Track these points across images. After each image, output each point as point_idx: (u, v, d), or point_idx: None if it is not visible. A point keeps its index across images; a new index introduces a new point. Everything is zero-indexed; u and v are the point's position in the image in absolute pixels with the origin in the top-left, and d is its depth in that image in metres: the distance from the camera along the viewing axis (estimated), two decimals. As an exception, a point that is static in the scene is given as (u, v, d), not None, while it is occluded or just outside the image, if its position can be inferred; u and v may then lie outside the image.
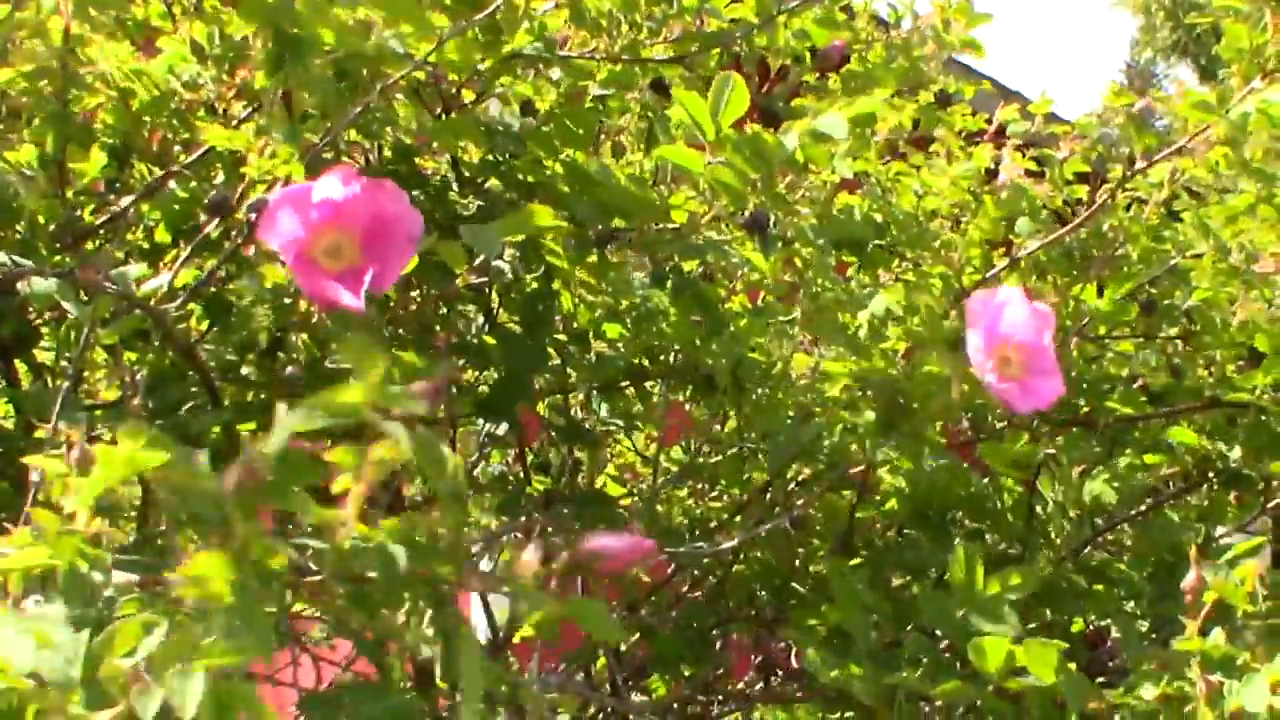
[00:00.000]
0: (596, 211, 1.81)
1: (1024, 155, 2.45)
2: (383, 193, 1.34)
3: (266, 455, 1.01)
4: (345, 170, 1.34)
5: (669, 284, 1.89)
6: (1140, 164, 2.13)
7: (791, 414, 2.09)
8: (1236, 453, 2.21)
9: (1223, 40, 2.00)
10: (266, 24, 1.51)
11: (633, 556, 1.26)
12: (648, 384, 2.29)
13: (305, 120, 1.74)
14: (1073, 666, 1.53)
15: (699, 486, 2.41)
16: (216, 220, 1.61)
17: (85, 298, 1.60)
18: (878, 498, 2.20)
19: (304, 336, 1.73)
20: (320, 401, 1.02)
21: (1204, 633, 1.50)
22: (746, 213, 1.77)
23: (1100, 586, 2.16)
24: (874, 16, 2.42)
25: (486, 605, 2.41)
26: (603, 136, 2.13)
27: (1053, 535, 2.18)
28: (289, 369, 1.68)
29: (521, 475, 2.26)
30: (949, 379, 1.67)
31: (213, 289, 1.70)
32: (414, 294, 1.92)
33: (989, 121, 2.55)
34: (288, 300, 1.64)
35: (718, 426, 2.36)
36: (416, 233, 1.35)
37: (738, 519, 2.26)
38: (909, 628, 1.80)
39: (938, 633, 1.76)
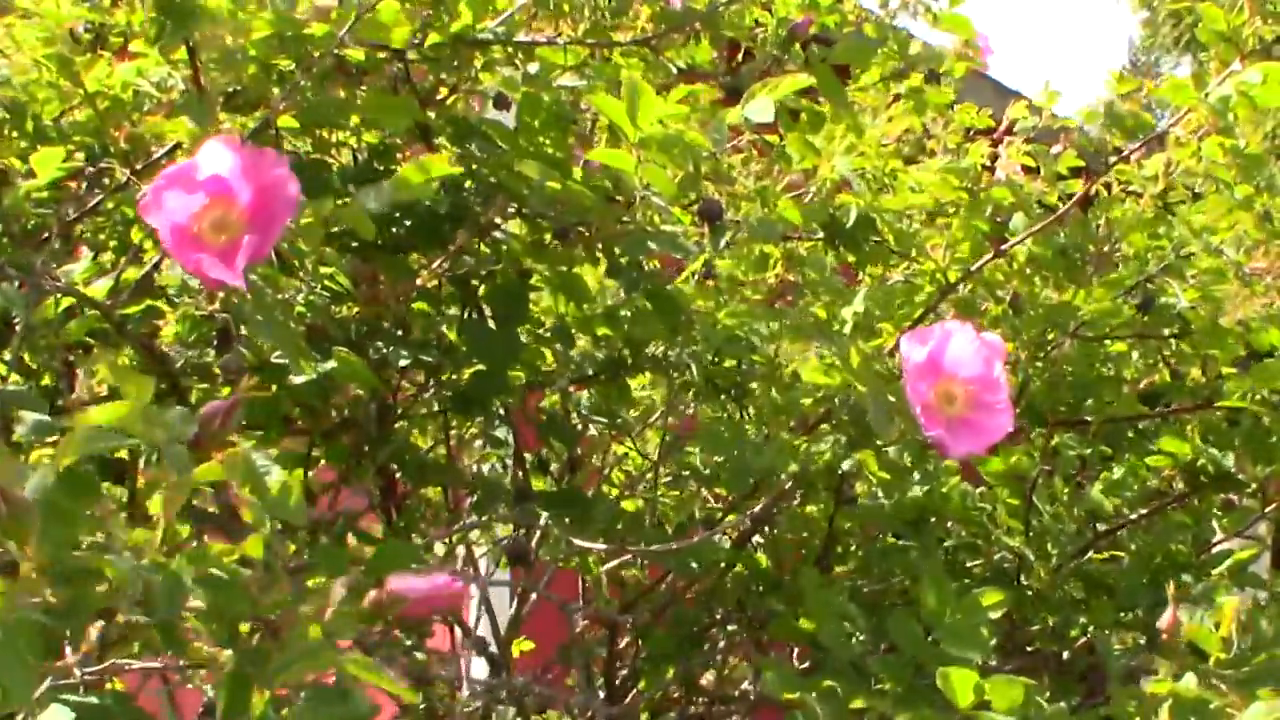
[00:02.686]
0: (549, 207, 1.70)
1: (1019, 151, 2.30)
2: (266, 160, 1.23)
3: (38, 481, 0.94)
4: (228, 140, 1.23)
5: (624, 281, 1.77)
6: (1124, 153, 1.98)
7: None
8: (1230, 459, 2.04)
9: (1200, 24, 1.85)
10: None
11: (438, 597, 1.17)
12: (637, 379, 2.18)
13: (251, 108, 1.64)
14: (1043, 702, 1.39)
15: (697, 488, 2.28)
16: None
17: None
18: (859, 508, 2.05)
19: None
20: (94, 422, 0.98)
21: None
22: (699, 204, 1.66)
23: (1095, 597, 2.01)
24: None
25: (488, 605, 2.29)
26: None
27: (1049, 546, 2.03)
28: (226, 358, 1.56)
29: (520, 474, 2.15)
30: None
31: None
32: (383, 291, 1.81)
33: (994, 119, 2.40)
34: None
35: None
36: (294, 199, 1.24)
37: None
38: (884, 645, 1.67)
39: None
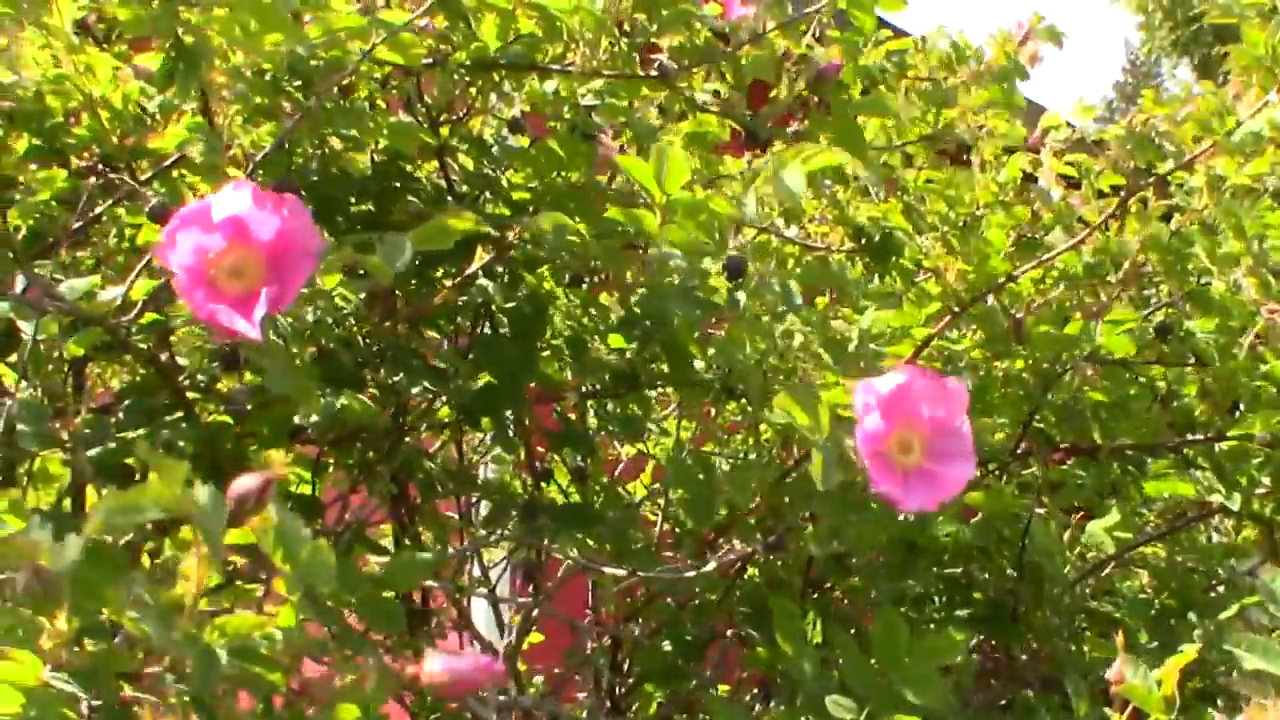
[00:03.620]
0: (567, 254, 1.72)
1: (1061, 162, 2.31)
2: (285, 207, 1.23)
3: (65, 556, 0.95)
4: (246, 185, 1.24)
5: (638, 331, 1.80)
6: (1155, 176, 1.99)
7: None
8: (1236, 499, 2.05)
9: (1242, 44, 1.84)
10: (159, 34, 1.42)
11: (478, 678, 1.19)
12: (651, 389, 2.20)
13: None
14: None
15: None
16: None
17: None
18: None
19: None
20: (125, 501, 0.99)
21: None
22: (724, 260, 1.68)
23: (1096, 634, 2.03)
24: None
25: (498, 614, 2.33)
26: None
27: (1044, 583, 2.03)
28: (236, 387, 1.59)
29: (529, 483, 2.18)
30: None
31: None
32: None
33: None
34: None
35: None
36: (316, 249, 1.25)
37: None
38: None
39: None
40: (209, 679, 1.03)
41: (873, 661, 1.56)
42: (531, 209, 1.86)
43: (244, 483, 1.08)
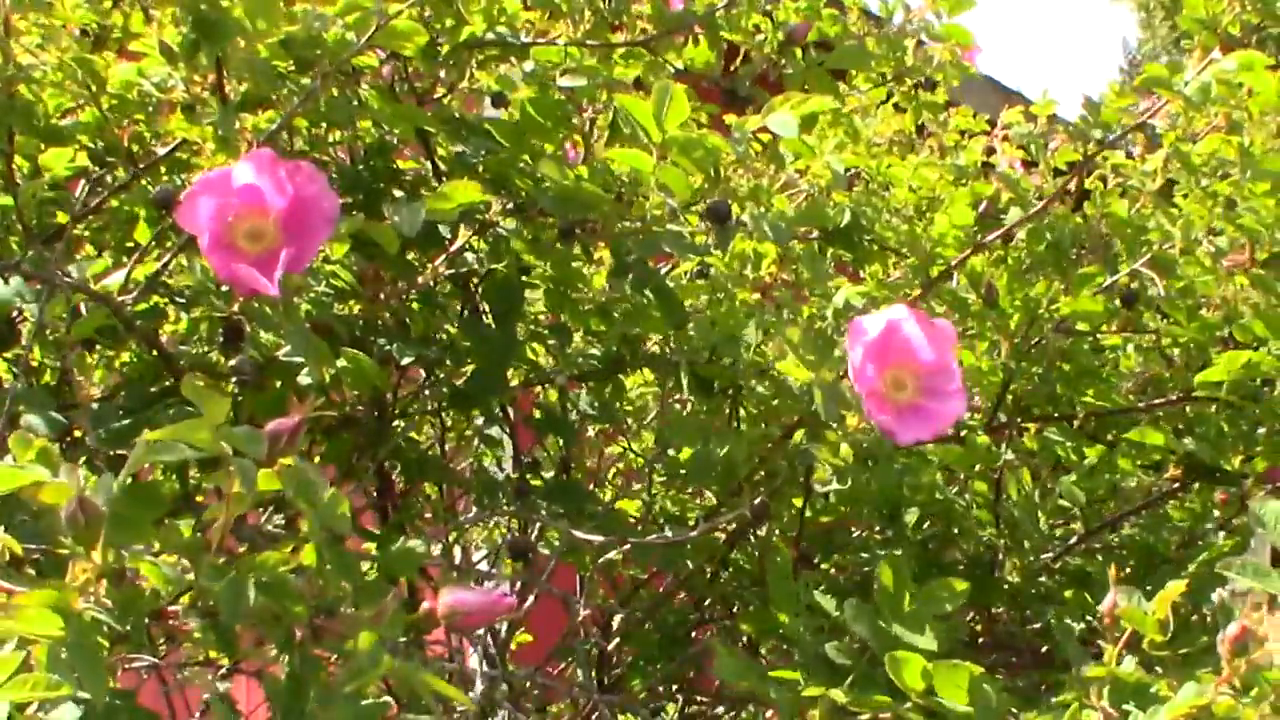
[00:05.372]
0: (557, 205, 1.78)
1: (1014, 146, 2.41)
2: (301, 174, 1.34)
3: (110, 489, 1.03)
4: (265, 153, 1.34)
5: (630, 278, 1.86)
6: (1105, 142, 2.09)
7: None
8: (1207, 450, 2.15)
9: (1182, 11, 1.97)
10: (184, 7, 1.51)
11: (491, 612, 1.29)
12: (632, 378, 2.28)
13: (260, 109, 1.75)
14: (989, 688, 1.44)
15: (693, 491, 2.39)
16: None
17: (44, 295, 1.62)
18: (830, 500, 2.15)
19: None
20: (171, 435, 1.06)
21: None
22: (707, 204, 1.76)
23: (1070, 592, 2.12)
24: (864, 11, 2.40)
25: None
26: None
27: (1022, 540, 2.13)
28: (238, 359, 1.68)
29: (513, 471, 2.26)
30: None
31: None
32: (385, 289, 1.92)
33: (991, 123, 2.51)
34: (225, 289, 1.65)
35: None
36: (333, 213, 1.35)
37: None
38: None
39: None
40: (238, 610, 1.11)
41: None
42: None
43: (278, 423, 1.17)
